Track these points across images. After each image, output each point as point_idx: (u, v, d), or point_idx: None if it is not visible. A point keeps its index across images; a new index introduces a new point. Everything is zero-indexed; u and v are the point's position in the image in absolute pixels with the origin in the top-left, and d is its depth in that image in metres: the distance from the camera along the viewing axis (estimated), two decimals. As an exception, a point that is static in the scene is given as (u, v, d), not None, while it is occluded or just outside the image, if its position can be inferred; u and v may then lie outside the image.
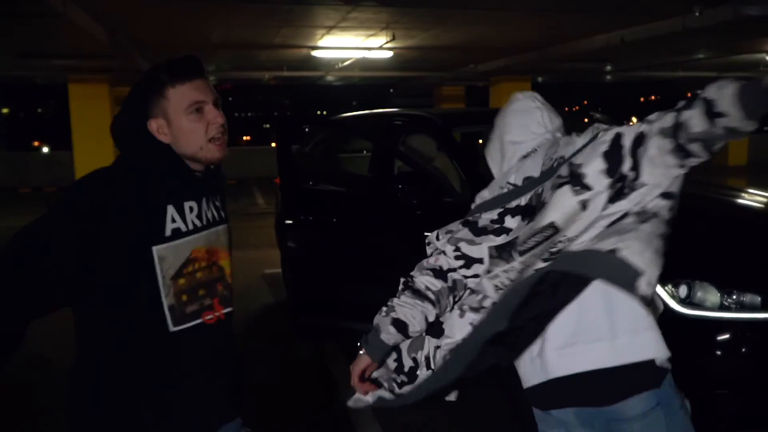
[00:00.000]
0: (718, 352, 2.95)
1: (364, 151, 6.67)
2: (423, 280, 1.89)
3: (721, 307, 2.90)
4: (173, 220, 1.62)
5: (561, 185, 1.66)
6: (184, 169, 1.67)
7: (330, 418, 3.77)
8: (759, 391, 2.91)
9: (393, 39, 9.95)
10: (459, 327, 1.82)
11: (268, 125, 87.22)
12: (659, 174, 1.57)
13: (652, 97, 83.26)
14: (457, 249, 1.89)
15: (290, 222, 4.51)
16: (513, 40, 11.10)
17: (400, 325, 1.83)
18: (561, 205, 1.65)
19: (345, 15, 8.50)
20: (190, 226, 1.65)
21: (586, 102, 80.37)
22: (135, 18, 8.57)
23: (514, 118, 2.07)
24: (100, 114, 13.82)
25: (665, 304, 2.89)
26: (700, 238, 3.37)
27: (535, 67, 14.81)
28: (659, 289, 2.94)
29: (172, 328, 1.62)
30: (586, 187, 1.62)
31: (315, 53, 11.69)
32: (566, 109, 46.44)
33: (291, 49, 11.53)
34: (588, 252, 1.64)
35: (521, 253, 1.75)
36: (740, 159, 21.87)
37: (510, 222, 1.86)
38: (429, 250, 1.99)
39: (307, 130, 6.64)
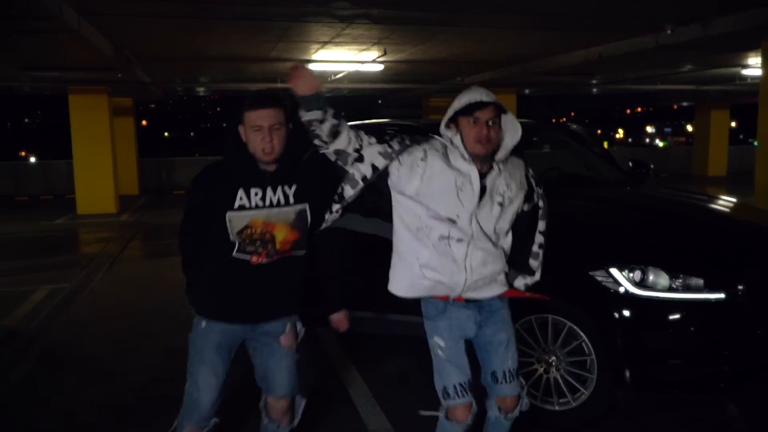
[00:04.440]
0: (669, 328, 3.43)
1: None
2: None
3: (670, 289, 3.37)
4: (240, 198, 2.60)
5: None
6: (252, 167, 2.63)
7: (327, 396, 4.19)
8: (702, 360, 3.40)
9: (384, 54, 10.38)
10: None
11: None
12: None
13: (639, 109, 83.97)
14: None
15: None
16: (496, 54, 11.56)
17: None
18: None
19: (339, 31, 8.92)
20: (252, 204, 2.61)
21: (573, 113, 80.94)
22: (140, 34, 8.96)
23: None
24: (100, 123, 14.17)
25: (622, 287, 3.39)
26: (654, 230, 3.87)
27: (519, 80, 15.30)
28: (617, 274, 3.43)
29: (234, 254, 2.63)
30: None
31: (309, 66, 12.07)
32: (553, 120, 46.86)
33: (286, 62, 11.94)
34: None
35: None
36: (720, 170, 22.45)
37: None
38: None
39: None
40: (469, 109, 2.56)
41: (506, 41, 10.06)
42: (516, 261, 2.83)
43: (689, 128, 74.23)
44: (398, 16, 7.87)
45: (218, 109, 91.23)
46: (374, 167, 2.66)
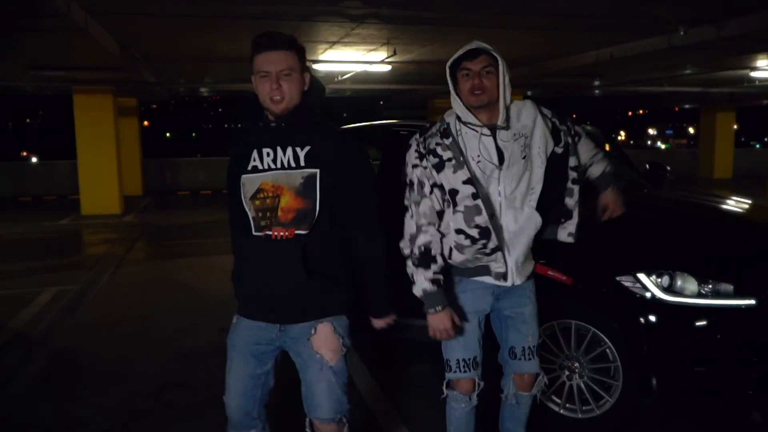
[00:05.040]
0: (696, 334, 3.35)
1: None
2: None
3: (699, 295, 3.30)
4: (254, 160, 2.35)
5: None
6: (264, 125, 2.37)
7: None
8: (731, 367, 3.31)
9: (394, 54, 10.29)
10: None
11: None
12: None
13: (640, 111, 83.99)
14: None
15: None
16: (505, 55, 11.42)
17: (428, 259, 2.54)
18: None
19: (349, 31, 8.85)
20: (265, 166, 2.33)
21: (575, 115, 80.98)
22: (148, 33, 8.90)
23: None
24: (105, 123, 14.08)
25: (650, 292, 3.31)
26: (680, 235, 3.79)
27: (527, 81, 15.21)
28: (644, 279, 3.35)
29: (254, 233, 2.34)
30: None
31: (316, 66, 12.02)
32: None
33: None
34: None
35: None
36: (726, 172, 22.40)
37: None
38: None
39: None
40: (460, 63, 2.54)
41: (517, 42, 9.97)
42: (550, 209, 2.72)
43: (691, 130, 74.33)
44: (409, 15, 7.80)
45: (220, 109, 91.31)
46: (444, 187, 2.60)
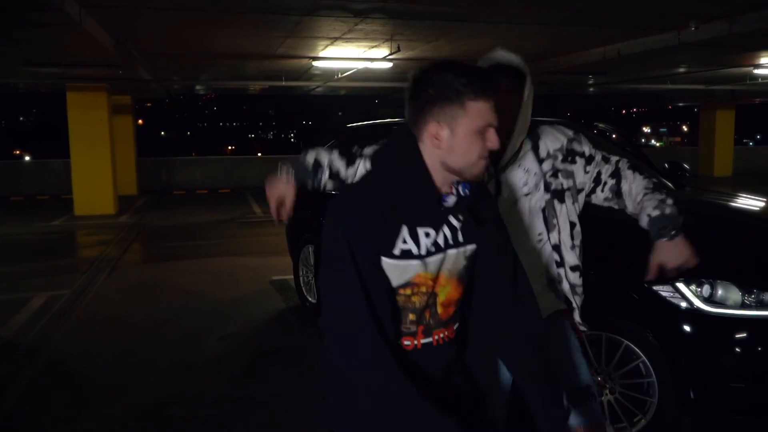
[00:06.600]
0: (738, 348, 3.12)
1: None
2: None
3: (742, 305, 3.09)
4: (403, 241, 1.57)
5: None
6: (428, 197, 1.60)
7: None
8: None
9: (398, 50, 10.05)
10: None
11: (252, 135, 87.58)
12: None
13: (634, 109, 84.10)
14: None
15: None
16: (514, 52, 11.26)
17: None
18: None
19: (352, 27, 8.60)
20: (422, 251, 1.58)
21: (569, 114, 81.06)
22: (145, 28, 8.63)
23: None
24: (99, 121, 13.78)
25: (690, 303, 3.08)
26: (721, 241, 3.55)
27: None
28: (684, 289, 3.11)
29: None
30: None
31: (316, 64, 11.77)
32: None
33: (292, 59, 11.62)
34: None
35: None
36: (725, 170, 22.30)
37: None
38: None
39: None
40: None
41: (525, 38, 9.73)
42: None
43: (685, 128, 74.42)
44: (415, 10, 7.54)
45: (215, 108, 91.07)
46: None
